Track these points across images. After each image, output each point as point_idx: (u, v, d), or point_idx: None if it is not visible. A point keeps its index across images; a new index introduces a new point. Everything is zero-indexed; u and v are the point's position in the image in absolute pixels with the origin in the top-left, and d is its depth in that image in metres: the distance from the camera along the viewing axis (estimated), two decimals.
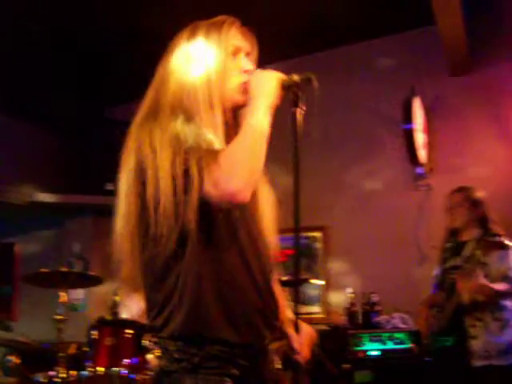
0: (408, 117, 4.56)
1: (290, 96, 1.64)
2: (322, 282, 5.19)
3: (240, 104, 1.65)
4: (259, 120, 1.53)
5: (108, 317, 3.72)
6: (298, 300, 1.61)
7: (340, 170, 5.27)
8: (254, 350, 1.55)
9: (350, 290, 4.87)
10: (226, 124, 1.63)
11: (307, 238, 5.24)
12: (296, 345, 1.69)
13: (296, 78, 1.63)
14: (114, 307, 3.75)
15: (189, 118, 1.54)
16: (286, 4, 4.74)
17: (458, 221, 3.65)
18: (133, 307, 3.76)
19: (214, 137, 1.54)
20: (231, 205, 1.50)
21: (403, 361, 4.19)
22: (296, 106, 1.64)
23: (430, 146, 4.97)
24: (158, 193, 1.45)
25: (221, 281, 1.50)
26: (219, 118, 1.59)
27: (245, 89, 1.63)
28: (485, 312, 3.37)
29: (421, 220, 4.96)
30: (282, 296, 1.81)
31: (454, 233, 3.73)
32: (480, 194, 3.66)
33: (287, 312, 1.80)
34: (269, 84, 1.60)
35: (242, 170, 1.45)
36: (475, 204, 3.61)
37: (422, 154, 4.75)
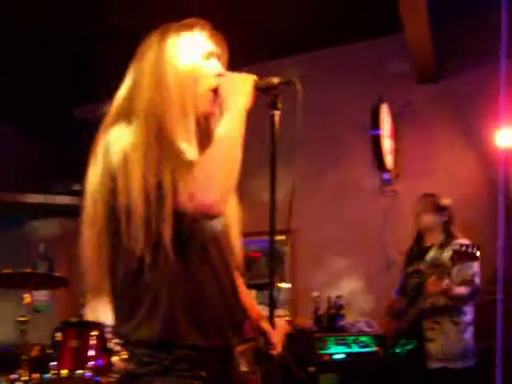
0: (376, 123, 4.62)
1: (267, 99, 1.64)
2: (289, 286, 5.22)
3: (209, 112, 1.64)
4: (233, 125, 1.51)
5: (73, 319, 3.68)
6: (273, 298, 1.62)
7: (308, 174, 5.30)
8: (221, 353, 1.57)
9: (316, 293, 4.90)
10: (199, 130, 1.61)
11: (275, 241, 5.25)
12: (273, 340, 1.75)
13: (276, 80, 1.62)
14: (79, 309, 3.71)
15: (161, 124, 1.51)
16: (258, 8, 4.75)
17: (423, 225, 3.75)
18: (99, 309, 3.73)
19: (186, 145, 1.52)
20: (207, 217, 1.49)
21: (368, 364, 4.25)
22: (274, 108, 1.64)
23: (397, 152, 5.04)
24: (129, 205, 1.43)
25: (191, 292, 1.50)
26: (192, 125, 1.57)
27: (215, 97, 1.62)
28: (443, 316, 3.46)
29: (387, 225, 5.02)
30: (249, 296, 1.88)
31: (419, 238, 3.82)
32: (446, 200, 3.75)
33: (258, 309, 1.86)
34: (243, 86, 1.59)
35: (218, 181, 1.43)
36: (441, 209, 3.69)
37: (389, 160, 4.81)
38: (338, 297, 4.81)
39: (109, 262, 1.54)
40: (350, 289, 4.92)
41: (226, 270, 1.61)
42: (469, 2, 4.61)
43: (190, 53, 1.62)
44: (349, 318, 4.73)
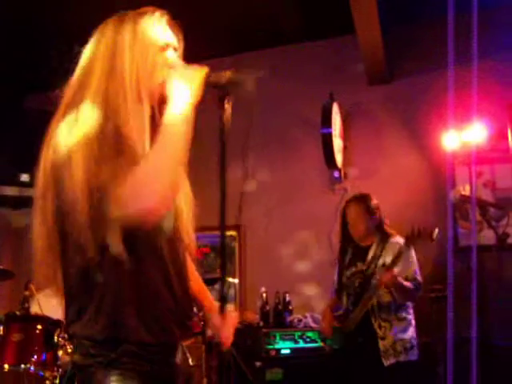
0: (326, 121, 4.66)
1: (217, 93, 1.61)
2: (237, 281, 5.24)
3: (163, 104, 1.57)
4: (175, 121, 1.47)
5: (17, 312, 3.61)
6: (224, 292, 1.63)
7: (259, 171, 5.32)
8: (167, 348, 1.58)
9: (263, 289, 4.93)
10: (153, 123, 1.56)
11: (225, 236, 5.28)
12: (224, 334, 1.73)
13: (224, 79, 1.59)
14: (24, 302, 3.64)
15: (113, 110, 1.46)
16: (216, 3, 4.74)
17: (360, 231, 3.77)
18: (45, 302, 3.67)
19: (137, 135, 1.48)
20: (143, 224, 1.41)
21: (314, 359, 4.30)
22: (222, 106, 1.61)
23: (347, 150, 5.12)
24: (74, 206, 1.39)
25: (139, 289, 1.49)
26: (146, 117, 1.53)
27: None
28: (390, 313, 3.54)
29: (335, 223, 5.09)
30: (202, 285, 1.90)
31: (349, 240, 3.85)
32: (374, 201, 3.80)
33: (210, 299, 1.87)
34: (191, 79, 1.55)
35: (155, 183, 1.38)
36: (373, 212, 3.75)
37: (339, 159, 4.87)
38: (286, 292, 4.86)
39: (60, 259, 1.52)
40: (298, 284, 4.97)
41: (176, 265, 1.60)
42: (419, 8, 4.72)
43: (147, 42, 1.57)
44: (296, 314, 4.78)
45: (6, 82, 5.68)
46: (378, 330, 3.53)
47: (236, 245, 5.31)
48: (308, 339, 4.45)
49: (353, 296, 3.72)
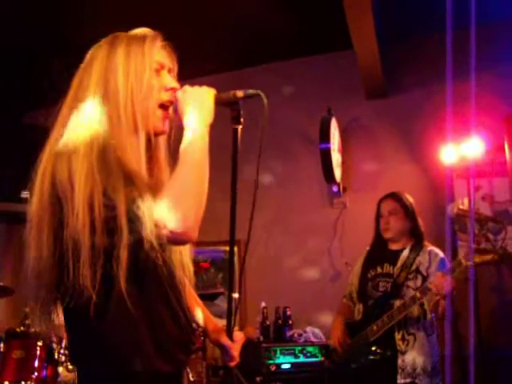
0: (324, 136, 4.67)
1: (229, 112, 1.60)
2: (237, 296, 5.22)
3: (160, 131, 1.57)
4: (199, 145, 1.45)
5: (18, 329, 3.60)
6: (231, 309, 1.63)
7: (258, 185, 5.32)
8: (175, 376, 1.56)
9: (263, 304, 4.92)
10: (149, 149, 1.53)
11: (224, 251, 5.29)
12: (233, 353, 1.75)
13: (240, 94, 1.59)
14: (24, 319, 3.62)
15: (109, 143, 1.41)
16: (214, 20, 4.77)
17: (393, 230, 3.52)
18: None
19: (136, 165, 1.43)
20: (181, 244, 1.47)
21: (314, 374, 4.28)
22: (237, 123, 1.61)
23: (345, 165, 5.14)
24: (76, 240, 1.33)
25: (148, 320, 1.45)
26: (143, 144, 1.50)
27: (165, 113, 1.56)
28: (419, 327, 3.28)
29: (335, 237, 5.10)
30: (204, 309, 1.88)
31: (381, 240, 3.60)
32: (412, 200, 3.59)
33: (214, 321, 1.87)
34: (205, 101, 1.52)
35: (190, 206, 1.36)
36: (409, 212, 3.52)
37: (337, 173, 4.89)
38: (286, 307, 4.86)
39: (56, 292, 1.46)
40: (298, 299, 4.96)
41: (176, 290, 1.56)
42: (416, 23, 4.76)
43: (140, 65, 1.52)
44: (296, 329, 4.77)
45: (5, 98, 5.70)
46: (400, 343, 3.25)
47: (236, 259, 5.31)
48: (308, 354, 4.43)
49: (374, 301, 3.44)
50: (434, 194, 4.74)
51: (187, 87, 1.56)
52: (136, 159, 1.45)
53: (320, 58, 5.40)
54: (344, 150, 5.13)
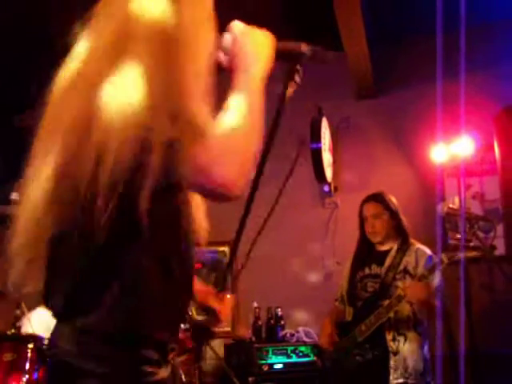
0: (315, 136, 4.69)
1: (284, 67, 1.39)
2: (229, 296, 5.22)
3: (221, 65, 1.36)
4: (255, 95, 1.27)
5: (8, 331, 3.58)
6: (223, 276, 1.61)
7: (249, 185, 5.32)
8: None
9: (255, 304, 4.92)
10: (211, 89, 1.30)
11: (216, 252, 5.27)
12: (221, 316, 1.73)
13: (305, 47, 1.40)
14: (15, 321, 3.60)
15: (170, 76, 1.19)
16: None
17: (381, 234, 3.52)
18: (36, 321, 3.64)
19: (200, 105, 1.20)
20: (224, 197, 1.21)
21: (307, 373, 4.29)
22: (291, 80, 1.42)
23: (336, 165, 5.15)
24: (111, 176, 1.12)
25: (162, 281, 1.26)
26: (205, 84, 1.26)
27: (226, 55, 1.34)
28: (409, 327, 3.28)
29: (326, 237, 5.11)
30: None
31: (367, 241, 3.60)
32: (395, 200, 3.60)
33: (204, 286, 1.82)
34: (265, 47, 1.36)
35: (240, 156, 1.18)
36: (393, 213, 3.53)
37: (328, 173, 4.89)
38: (277, 307, 4.86)
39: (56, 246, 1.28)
40: (290, 299, 4.96)
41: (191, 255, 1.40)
42: (406, 23, 4.77)
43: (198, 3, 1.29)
44: (288, 329, 4.77)
45: None
46: (392, 344, 3.25)
47: (228, 260, 5.30)
48: (301, 354, 4.44)
49: (362, 302, 3.44)
50: (425, 193, 4.76)
51: (243, 25, 1.38)
52: (199, 99, 1.23)
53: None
54: (335, 150, 5.14)
